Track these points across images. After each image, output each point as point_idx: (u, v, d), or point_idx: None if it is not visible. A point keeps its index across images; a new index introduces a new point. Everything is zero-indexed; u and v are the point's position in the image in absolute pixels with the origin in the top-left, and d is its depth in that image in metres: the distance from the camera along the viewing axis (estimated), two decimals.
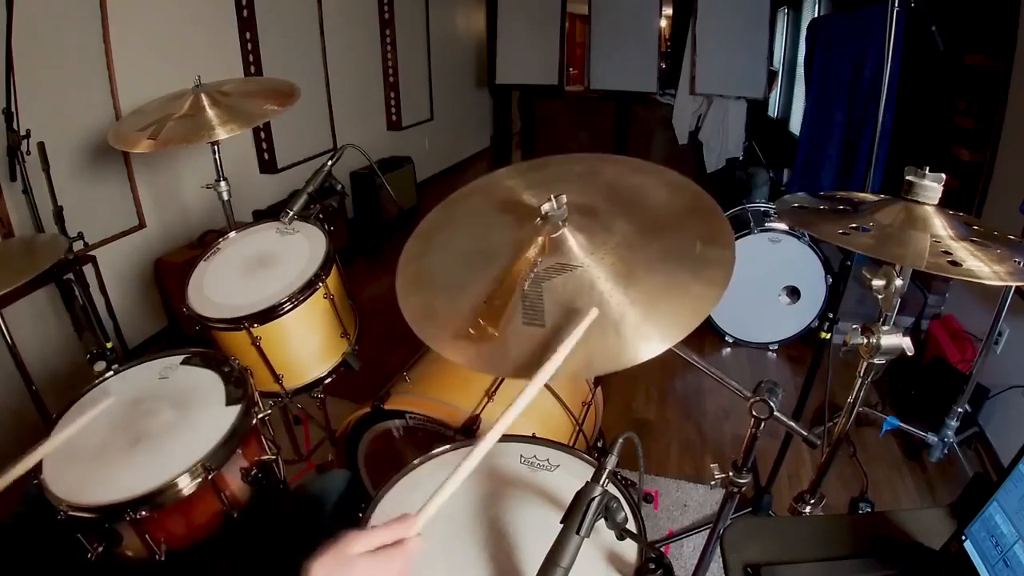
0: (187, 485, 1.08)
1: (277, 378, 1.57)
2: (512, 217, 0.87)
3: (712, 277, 0.73)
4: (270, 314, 1.47)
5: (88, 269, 2.37)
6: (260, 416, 1.31)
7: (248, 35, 3.29)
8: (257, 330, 1.47)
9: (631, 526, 0.78)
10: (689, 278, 0.73)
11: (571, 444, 1.46)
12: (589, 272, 0.76)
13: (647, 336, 0.69)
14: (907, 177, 0.98)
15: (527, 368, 0.72)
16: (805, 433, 0.86)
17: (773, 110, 5.20)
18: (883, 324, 1.03)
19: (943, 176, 0.96)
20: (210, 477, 1.12)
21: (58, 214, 2.08)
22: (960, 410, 1.94)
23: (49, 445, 0.99)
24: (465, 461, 0.61)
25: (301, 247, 1.62)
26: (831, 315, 1.76)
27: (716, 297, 0.71)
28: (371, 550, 0.54)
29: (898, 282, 0.99)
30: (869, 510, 1.95)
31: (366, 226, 4.21)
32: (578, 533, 0.67)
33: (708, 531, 1.31)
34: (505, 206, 0.90)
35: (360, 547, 0.54)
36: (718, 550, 1.03)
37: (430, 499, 0.59)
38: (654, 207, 0.85)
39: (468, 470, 0.61)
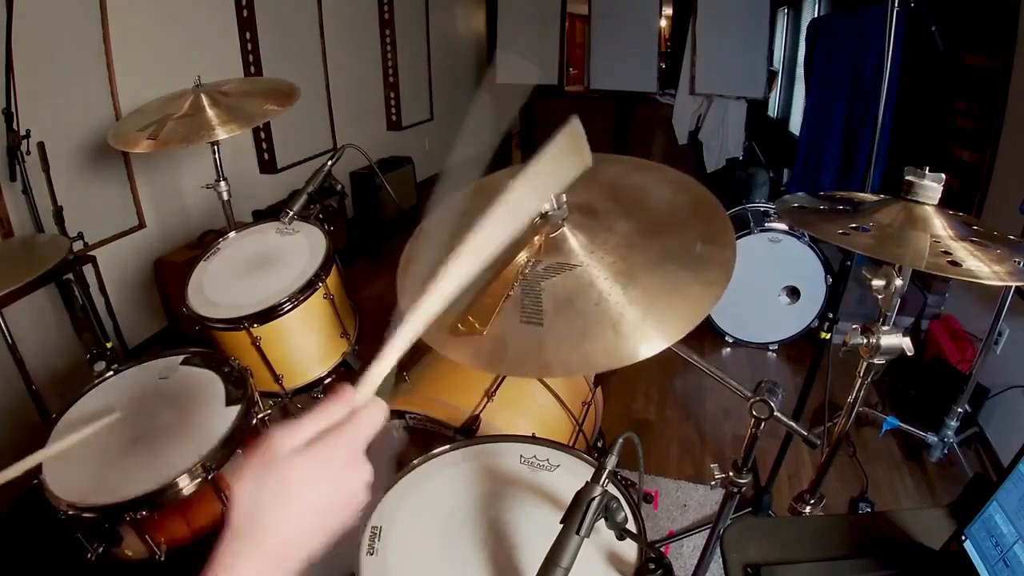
0: (187, 485, 1.09)
1: (277, 378, 1.57)
2: None
3: (712, 277, 0.73)
4: (270, 314, 1.47)
5: (88, 269, 2.37)
6: (260, 416, 1.31)
7: (248, 35, 3.29)
8: (257, 330, 1.47)
9: (631, 526, 0.78)
10: (689, 277, 0.73)
11: (571, 444, 1.46)
12: (588, 271, 0.76)
13: (646, 334, 0.69)
14: (907, 177, 0.99)
15: (525, 366, 0.72)
16: (805, 433, 0.86)
17: (773, 110, 5.20)
18: (883, 324, 1.03)
19: (943, 176, 0.96)
20: (210, 477, 1.12)
21: (58, 214, 2.08)
22: (960, 410, 1.94)
23: (44, 453, 0.99)
24: (426, 298, 0.49)
25: (301, 247, 1.62)
26: (831, 315, 1.76)
27: (716, 296, 0.71)
28: (307, 442, 0.42)
29: (898, 282, 0.99)
30: (869, 510, 1.95)
31: (366, 226, 4.21)
32: (578, 533, 0.67)
33: (708, 531, 1.31)
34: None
35: (289, 442, 0.41)
36: (718, 550, 1.03)
37: (374, 365, 0.47)
38: (655, 206, 0.85)
39: (426, 314, 0.49)
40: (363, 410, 0.45)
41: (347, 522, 0.43)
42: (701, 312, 0.70)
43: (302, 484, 0.41)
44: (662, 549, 1.80)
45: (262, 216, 3.28)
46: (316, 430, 0.43)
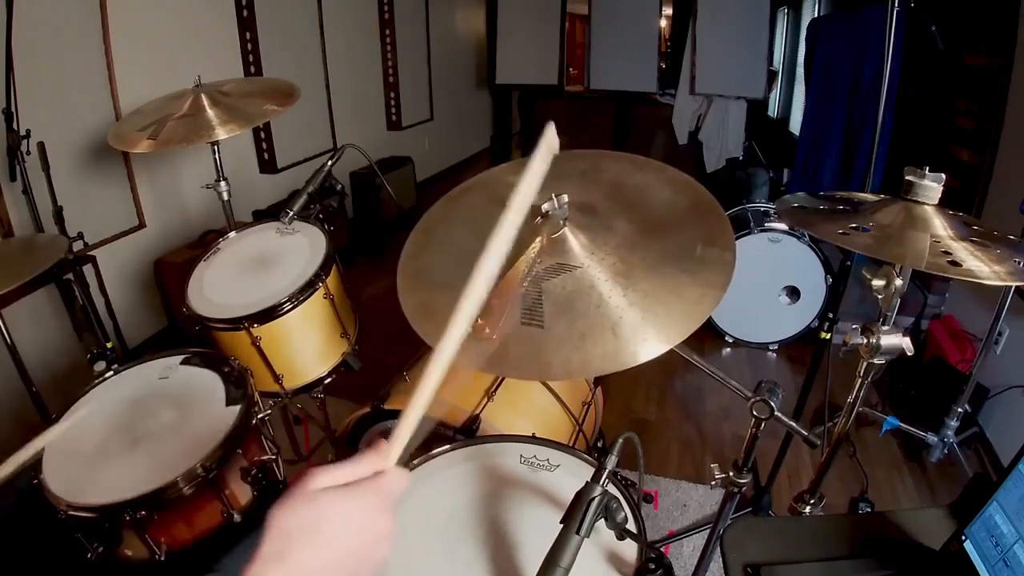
0: (187, 485, 1.08)
1: (277, 378, 1.57)
2: None
3: (712, 280, 0.72)
4: (270, 314, 1.47)
5: (88, 269, 2.37)
6: (260, 416, 1.31)
7: (248, 35, 3.29)
8: (257, 330, 1.47)
9: (631, 526, 0.78)
10: (689, 280, 0.73)
11: (571, 444, 1.46)
12: (589, 273, 0.75)
13: (645, 338, 0.69)
14: (907, 177, 0.99)
15: (526, 369, 0.72)
16: (805, 433, 0.86)
17: (773, 110, 5.21)
18: (883, 324, 1.03)
19: (943, 176, 0.96)
20: (210, 477, 1.12)
21: (58, 214, 2.08)
22: (960, 410, 1.94)
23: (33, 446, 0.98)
24: (430, 374, 0.54)
25: (301, 247, 1.62)
26: (831, 315, 1.76)
27: (715, 300, 0.70)
28: (339, 484, 0.46)
29: (898, 282, 0.99)
30: (869, 510, 1.95)
31: (366, 226, 4.21)
32: (578, 533, 0.67)
33: (708, 531, 1.31)
34: (506, 203, 0.90)
35: (325, 481, 0.46)
36: (718, 550, 1.03)
37: (401, 422, 0.51)
38: (656, 206, 0.85)
39: (433, 383, 0.54)
40: (391, 473, 0.49)
41: (367, 568, 0.47)
42: (700, 316, 0.70)
43: (333, 520, 0.44)
44: (662, 549, 1.81)
45: (262, 216, 3.28)
46: (352, 476, 0.47)
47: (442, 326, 0.78)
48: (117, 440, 1.16)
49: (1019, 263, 0.86)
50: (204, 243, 2.64)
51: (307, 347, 1.60)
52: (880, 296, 1.02)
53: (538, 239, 0.79)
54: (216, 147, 1.71)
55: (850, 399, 1.16)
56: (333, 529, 0.44)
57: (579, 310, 0.73)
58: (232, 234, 1.70)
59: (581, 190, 0.86)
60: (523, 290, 0.76)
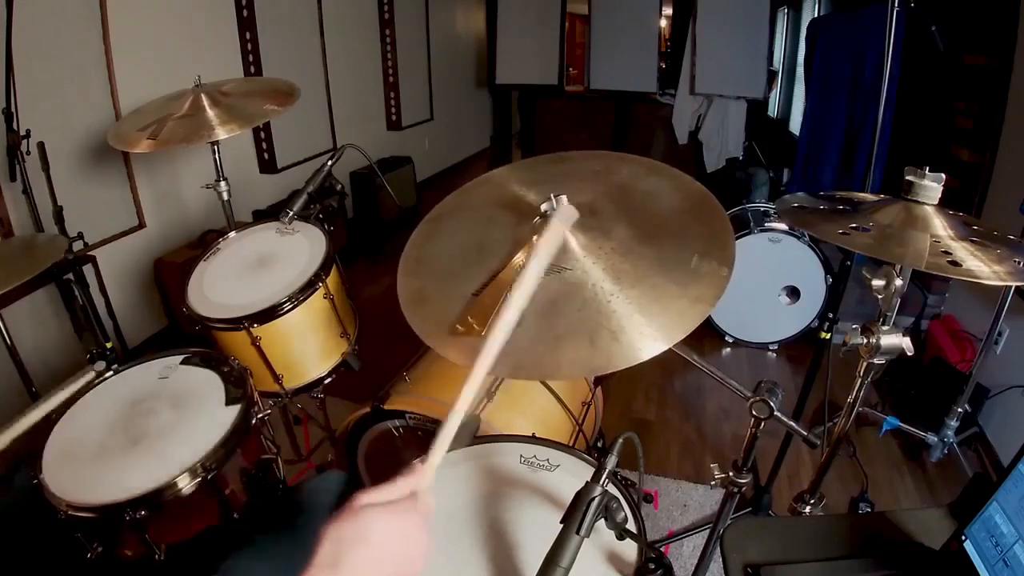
0: (187, 485, 1.08)
1: (277, 378, 1.57)
2: (515, 213, 0.87)
3: (701, 294, 0.71)
4: (270, 314, 1.47)
5: (88, 269, 2.37)
6: (260, 416, 1.31)
7: (248, 35, 3.29)
8: (257, 330, 1.47)
9: (631, 526, 0.78)
10: (677, 292, 0.72)
11: (571, 444, 1.46)
12: (577, 276, 0.75)
13: (620, 347, 0.68)
14: (907, 177, 0.99)
15: (502, 366, 0.72)
16: (805, 433, 0.87)
17: (773, 110, 5.20)
18: (883, 324, 1.03)
19: (943, 176, 0.96)
20: (210, 477, 1.12)
21: (58, 214, 2.08)
22: (960, 410, 1.94)
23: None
24: (460, 403, 0.59)
25: (301, 247, 1.62)
26: (831, 315, 1.76)
27: (702, 314, 0.69)
28: (385, 503, 0.53)
29: (898, 282, 0.99)
30: (869, 510, 1.95)
31: (366, 226, 4.21)
32: (578, 533, 0.67)
33: (708, 531, 1.31)
34: (511, 201, 0.90)
35: (370, 499, 0.52)
36: (718, 550, 1.03)
37: (434, 447, 0.58)
38: (660, 213, 0.84)
39: (464, 407, 0.59)
40: (425, 494, 0.56)
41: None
42: (684, 329, 0.69)
43: (378, 533, 0.50)
44: (662, 549, 1.81)
45: (262, 216, 3.28)
46: (392, 496, 0.54)
47: (433, 315, 0.78)
48: (117, 440, 1.16)
49: (1019, 263, 0.86)
50: (204, 243, 2.64)
51: (307, 347, 1.60)
52: (880, 296, 1.02)
53: (535, 238, 0.79)
54: (216, 147, 1.71)
55: (850, 399, 1.17)
56: (378, 539, 0.50)
57: (560, 312, 0.72)
58: (232, 234, 1.70)
59: (588, 191, 0.86)
60: (513, 287, 0.76)
